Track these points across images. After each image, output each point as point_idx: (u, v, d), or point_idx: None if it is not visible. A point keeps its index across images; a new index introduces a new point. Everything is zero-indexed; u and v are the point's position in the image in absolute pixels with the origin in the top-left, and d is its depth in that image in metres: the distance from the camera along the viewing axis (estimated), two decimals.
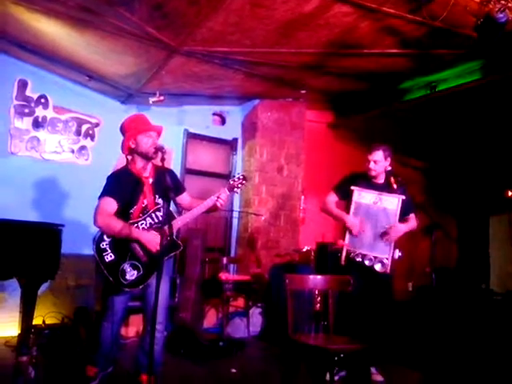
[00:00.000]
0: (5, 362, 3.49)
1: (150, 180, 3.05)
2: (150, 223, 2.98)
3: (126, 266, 2.90)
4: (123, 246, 2.91)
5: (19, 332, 2.94)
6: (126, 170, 3.07)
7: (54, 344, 3.91)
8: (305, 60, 4.35)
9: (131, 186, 3.00)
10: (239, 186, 3.13)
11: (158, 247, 2.86)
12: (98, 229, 2.90)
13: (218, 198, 3.03)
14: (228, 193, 3.09)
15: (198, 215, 3.09)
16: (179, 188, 3.22)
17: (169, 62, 4.21)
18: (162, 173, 2.88)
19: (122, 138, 3.09)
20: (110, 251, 2.91)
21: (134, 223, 2.94)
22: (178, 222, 3.01)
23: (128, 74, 4.59)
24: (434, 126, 6.05)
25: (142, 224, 2.96)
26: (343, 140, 6.63)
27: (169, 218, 2.82)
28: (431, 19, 3.32)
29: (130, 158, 3.10)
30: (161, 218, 2.98)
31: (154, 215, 2.99)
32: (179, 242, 3.03)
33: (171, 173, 3.23)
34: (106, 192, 2.96)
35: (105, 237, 2.92)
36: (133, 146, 3.02)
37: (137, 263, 2.91)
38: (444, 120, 5.79)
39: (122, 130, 3.08)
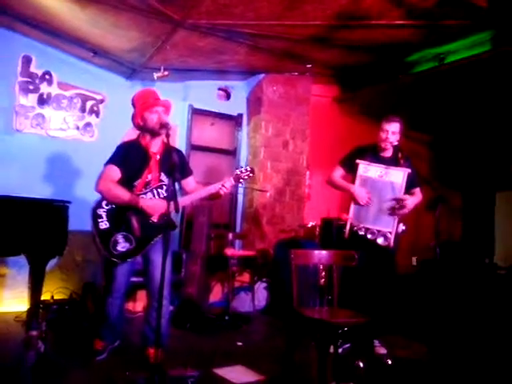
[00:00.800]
0: (15, 336, 3.55)
1: (158, 156, 3.06)
2: (151, 198, 3.00)
3: (119, 237, 2.93)
4: (119, 216, 2.94)
5: (28, 307, 2.99)
6: (136, 143, 3.11)
7: (63, 319, 3.99)
8: (310, 33, 4.27)
9: (138, 159, 3.03)
10: (245, 177, 3.12)
11: (159, 212, 2.89)
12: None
13: (222, 185, 3.03)
14: (233, 183, 3.09)
15: (198, 199, 3.12)
16: (186, 171, 3.22)
17: (173, 35, 4.16)
18: (171, 151, 2.87)
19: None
20: (105, 219, 2.95)
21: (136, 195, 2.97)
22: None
23: (132, 49, 4.54)
24: (442, 99, 5.96)
25: (142, 198, 2.98)
26: (349, 114, 6.56)
27: (172, 194, 2.82)
28: None
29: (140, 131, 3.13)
30: (162, 195, 3.00)
31: (155, 191, 3.02)
32: (175, 221, 2.99)
33: (180, 154, 3.25)
34: (112, 160, 3.02)
35: (103, 204, 2.97)
36: (141, 123, 3.05)
37: (130, 236, 2.94)
38: (452, 93, 5.70)
39: (132, 104, 3.11)
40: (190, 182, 3.23)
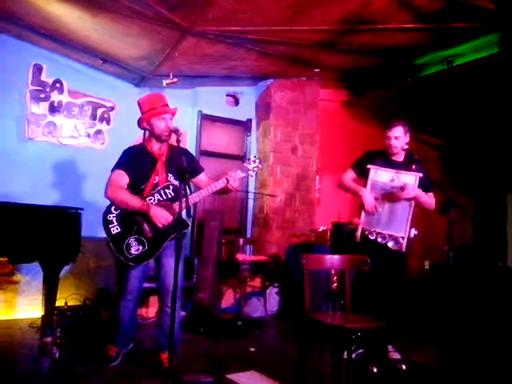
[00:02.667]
0: (30, 342, 3.59)
1: (164, 158, 3.07)
2: (158, 199, 3.01)
3: (132, 241, 2.95)
4: (130, 220, 2.96)
5: (43, 314, 3.02)
6: (142, 146, 3.14)
7: (77, 325, 4.02)
8: (318, 38, 4.28)
9: (144, 162, 3.05)
10: (254, 169, 3.14)
11: (165, 223, 2.90)
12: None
13: (227, 179, 3.01)
14: (241, 174, 3.08)
15: (205, 196, 3.08)
16: (196, 169, 3.21)
17: (181, 43, 4.19)
18: (177, 152, 2.88)
19: (138, 116, 3.15)
20: (116, 224, 2.97)
21: (143, 198, 2.99)
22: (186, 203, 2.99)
23: (141, 57, 4.59)
24: (451, 103, 5.93)
25: (150, 199, 3.00)
26: (358, 118, 6.55)
27: (179, 196, 2.83)
28: None
29: (147, 134, 3.15)
30: (169, 196, 3.01)
31: (162, 192, 3.02)
32: (187, 221, 2.99)
33: (187, 153, 3.25)
34: (119, 165, 3.04)
35: (112, 209, 2.99)
36: (148, 128, 3.07)
37: (142, 238, 2.95)
38: (461, 96, 5.67)
39: (138, 107, 3.12)
40: (202, 179, 3.22)
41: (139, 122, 3.11)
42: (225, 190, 3.10)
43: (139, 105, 3.11)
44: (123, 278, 3.16)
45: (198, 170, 3.23)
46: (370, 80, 5.72)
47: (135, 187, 3.02)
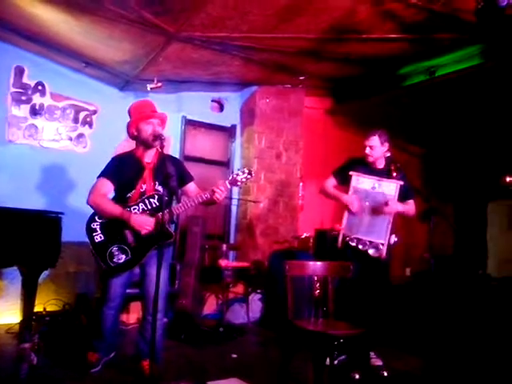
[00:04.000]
0: (7, 348, 3.51)
1: (152, 166, 3.05)
2: (143, 209, 2.98)
3: (115, 249, 2.93)
4: (113, 228, 2.93)
5: (21, 319, 2.96)
6: (131, 154, 3.12)
7: (56, 331, 3.94)
8: (304, 45, 4.31)
9: (131, 170, 3.02)
10: (243, 180, 3.02)
11: (147, 230, 2.87)
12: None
13: (213, 191, 2.93)
14: (228, 186, 3.01)
15: (190, 207, 3.02)
16: (185, 177, 3.17)
17: (166, 48, 4.17)
18: (165, 160, 2.87)
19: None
20: (99, 232, 2.95)
21: (127, 207, 2.96)
22: (170, 213, 2.95)
23: (125, 60, 4.55)
24: (433, 112, 6.04)
25: (134, 209, 2.97)
26: (342, 126, 6.62)
27: (165, 205, 2.82)
28: (431, 3, 3.30)
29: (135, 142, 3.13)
30: (154, 205, 2.98)
31: (147, 201, 3.00)
32: (171, 231, 2.99)
33: (176, 161, 3.24)
34: (104, 173, 3.02)
35: (96, 217, 2.97)
36: (135, 134, 3.05)
37: (125, 247, 2.93)
38: (443, 105, 5.78)
39: (128, 113, 3.11)
40: (191, 189, 3.17)
41: (128, 129, 3.09)
42: (210, 202, 3.05)
43: (129, 111, 3.11)
44: (106, 284, 3.12)
45: (187, 178, 3.18)
46: (354, 88, 5.78)
47: (121, 195, 3.01)
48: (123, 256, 2.93)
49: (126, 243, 2.93)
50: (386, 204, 3.55)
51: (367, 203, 3.64)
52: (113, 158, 3.13)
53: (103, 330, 3.14)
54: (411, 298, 4.97)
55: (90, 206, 2.96)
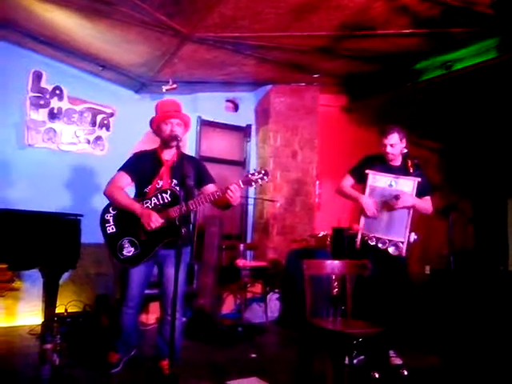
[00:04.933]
0: (30, 349, 3.57)
1: (170, 163, 3.07)
2: (155, 203, 3.01)
3: (125, 242, 2.97)
4: (126, 220, 2.97)
5: (43, 320, 3.00)
6: (153, 151, 3.18)
7: (77, 332, 4.00)
8: (317, 43, 4.29)
9: (150, 166, 3.08)
10: (259, 180, 2.85)
11: (152, 226, 2.88)
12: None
13: (225, 190, 2.84)
14: (242, 186, 2.87)
15: (202, 204, 2.95)
16: (205, 178, 3.15)
17: (181, 49, 4.20)
18: (184, 159, 2.92)
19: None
20: (112, 223, 3.02)
21: (140, 200, 3.01)
22: (181, 209, 2.87)
23: (141, 63, 4.60)
24: (450, 107, 5.95)
25: (147, 202, 3.01)
26: (357, 123, 6.57)
27: (177, 202, 2.85)
28: None
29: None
30: (166, 200, 3.00)
31: (160, 196, 3.02)
32: (182, 227, 2.85)
33: (197, 162, 3.26)
34: (123, 167, 3.12)
35: (110, 209, 3.04)
36: (156, 131, 3.13)
37: (135, 240, 2.96)
38: (460, 100, 5.69)
39: (155, 109, 3.16)
40: (210, 190, 3.05)
41: (150, 124, 3.15)
42: (225, 204, 2.99)
43: (155, 108, 3.16)
44: (125, 284, 3.15)
45: (206, 180, 3.15)
46: (369, 85, 5.73)
47: (140, 190, 3.08)
48: (132, 249, 2.96)
49: (136, 236, 2.96)
50: (397, 198, 3.50)
51: (384, 201, 3.61)
52: (134, 154, 3.23)
53: (123, 329, 3.17)
54: (430, 296, 4.92)
55: (106, 195, 3.04)
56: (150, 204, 3.00)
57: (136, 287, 3.12)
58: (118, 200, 3.00)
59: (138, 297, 3.17)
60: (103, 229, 3.02)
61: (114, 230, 3.00)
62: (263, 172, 2.87)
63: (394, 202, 3.51)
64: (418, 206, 3.59)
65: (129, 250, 2.96)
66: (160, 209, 2.97)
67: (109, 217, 3.03)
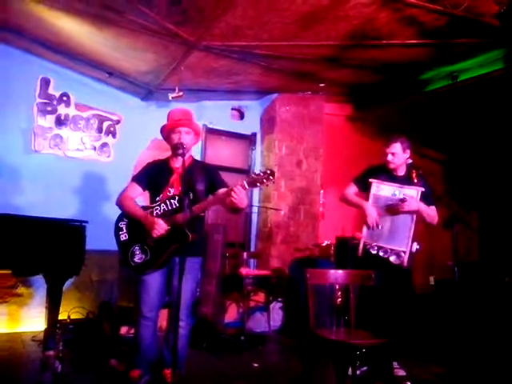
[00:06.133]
0: (32, 356, 3.57)
1: (180, 171, 3.03)
2: (164, 209, 3.00)
3: (136, 248, 2.96)
4: (137, 228, 2.97)
5: (45, 327, 3.00)
6: (165, 160, 3.18)
7: (80, 339, 3.99)
8: (323, 53, 4.31)
9: (161, 175, 3.09)
10: (264, 181, 2.67)
11: (157, 233, 2.88)
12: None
13: (232, 189, 2.72)
14: (247, 187, 2.72)
15: (208, 206, 2.96)
16: (216, 185, 3.06)
17: (187, 57, 4.23)
18: (195, 166, 2.98)
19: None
20: (125, 231, 3.02)
21: (149, 208, 3.02)
22: (185, 214, 2.84)
23: (147, 71, 4.63)
24: (455, 117, 5.94)
25: (156, 209, 3.00)
26: (363, 133, 6.57)
27: (183, 208, 2.82)
28: (452, 8, 3.26)
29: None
30: (174, 206, 2.99)
31: (168, 202, 3.00)
32: (188, 232, 2.80)
33: (208, 168, 3.24)
34: (134, 177, 3.16)
35: (124, 217, 3.05)
36: (166, 139, 3.13)
37: (145, 247, 2.95)
38: (466, 111, 5.68)
39: (167, 117, 3.16)
40: None
41: (161, 132, 3.15)
42: (233, 207, 2.85)
43: (168, 115, 3.16)
44: (139, 295, 3.02)
45: (218, 186, 3.07)
46: (375, 95, 5.74)
47: (153, 198, 3.09)
48: (143, 256, 2.94)
49: (147, 243, 2.96)
50: (403, 200, 3.48)
51: (389, 207, 3.59)
52: (147, 164, 3.22)
53: (141, 344, 3.02)
54: (435, 307, 4.88)
55: (117, 205, 3.06)
56: (160, 210, 3.00)
57: (155, 296, 3.01)
58: (126, 209, 3.03)
59: (158, 306, 3.06)
60: (117, 236, 3.02)
61: (127, 237, 3.01)
62: (269, 172, 2.67)
63: (400, 204, 3.49)
64: (423, 212, 3.56)
65: (140, 257, 2.95)
66: (168, 215, 2.97)
67: (122, 225, 3.04)
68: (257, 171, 2.76)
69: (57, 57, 4.62)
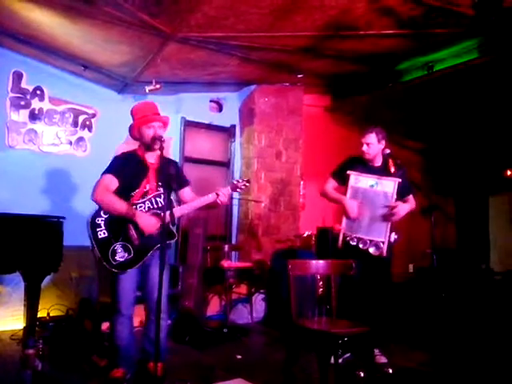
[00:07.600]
0: (12, 355, 3.51)
1: (155, 167, 3.05)
2: (149, 207, 2.98)
3: (118, 247, 2.89)
4: (118, 225, 2.90)
5: (24, 325, 2.95)
6: (134, 154, 3.11)
7: (60, 336, 3.93)
8: (301, 43, 4.30)
9: (135, 169, 3.02)
10: (242, 187, 3.13)
11: (152, 230, 2.87)
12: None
13: (218, 194, 3.00)
14: (230, 191, 3.10)
15: (195, 209, 3.09)
16: (182, 181, 3.21)
17: (164, 49, 4.17)
18: (167, 162, 2.97)
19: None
20: (104, 228, 2.90)
21: (133, 205, 2.95)
22: (175, 212, 2.98)
23: (123, 63, 4.55)
24: (432, 107, 6.02)
25: (140, 207, 2.96)
26: (341, 123, 6.61)
27: (169, 206, 2.84)
28: None
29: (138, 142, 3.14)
30: (160, 204, 2.98)
31: (153, 200, 2.99)
32: (174, 231, 3.02)
33: (176, 165, 3.28)
34: (109, 169, 3.00)
35: (101, 213, 2.93)
36: (138, 136, 3.07)
37: (128, 245, 2.90)
38: (442, 100, 5.76)
39: (131, 115, 3.10)
40: (187, 192, 3.20)
41: (130, 131, 3.09)
42: (212, 205, 3.09)
43: (131, 113, 3.09)
44: (116, 291, 2.99)
45: (183, 182, 3.22)
46: (353, 85, 5.77)
47: (124, 193, 2.97)
48: (125, 254, 2.88)
49: (130, 241, 2.91)
50: (392, 214, 3.52)
51: (366, 202, 3.63)
52: (116, 156, 3.11)
53: (120, 342, 3.00)
54: (414, 294, 4.97)
55: (96, 201, 2.90)
56: (144, 208, 2.97)
57: (130, 293, 3.00)
58: (112, 206, 2.89)
59: (133, 303, 3.05)
60: (94, 234, 2.88)
61: (106, 234, 2.89)
62: (246, 180, 3.17)
63: (391, 218, 3.53)
64: (409, 210, 3.64)
65: (122, 255, 2.88)
66: (154, 213, 2.95)
67: (100, 221, 2.91)
68: (236, 179, 3.30)
69: (29, 50, 4.50)
